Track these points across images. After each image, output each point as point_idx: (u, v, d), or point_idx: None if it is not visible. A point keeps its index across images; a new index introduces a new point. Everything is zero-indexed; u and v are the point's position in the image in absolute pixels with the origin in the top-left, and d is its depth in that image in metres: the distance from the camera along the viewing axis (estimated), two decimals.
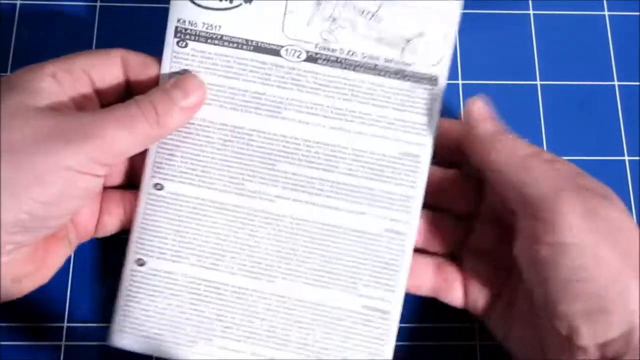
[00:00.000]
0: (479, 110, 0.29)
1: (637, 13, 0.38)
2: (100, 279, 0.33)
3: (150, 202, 0.30)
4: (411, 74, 0.30)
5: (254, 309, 0.30)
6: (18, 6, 0.37)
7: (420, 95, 0.30)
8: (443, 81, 0.29)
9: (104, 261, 0.33)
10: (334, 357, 0.29)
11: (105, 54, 0.30)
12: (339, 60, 0.30)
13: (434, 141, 0.30)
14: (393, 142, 0.30)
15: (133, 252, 0.30)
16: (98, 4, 0.37)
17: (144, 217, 0.30)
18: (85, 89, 0.29)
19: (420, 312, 0.33)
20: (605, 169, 0.36)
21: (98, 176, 0.27)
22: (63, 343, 0.32)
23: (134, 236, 0.30)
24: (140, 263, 0.30)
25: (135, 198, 0.31)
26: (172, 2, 0.30)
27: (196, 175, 0.30)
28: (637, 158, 0.36)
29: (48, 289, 0.30)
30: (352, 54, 0.30)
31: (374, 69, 0.30)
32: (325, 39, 0.30)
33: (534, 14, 0.38)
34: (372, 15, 0.30)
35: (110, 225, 0.31)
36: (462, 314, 0.32)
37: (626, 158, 0.36)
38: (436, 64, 0.29)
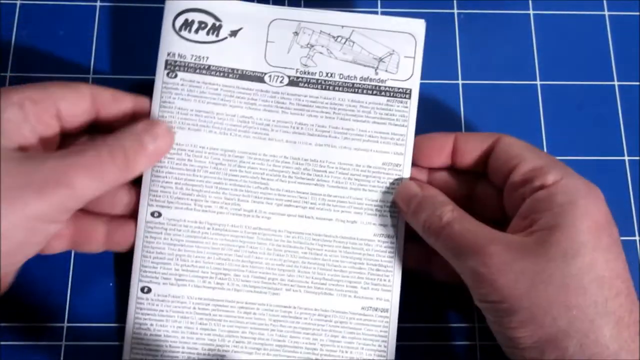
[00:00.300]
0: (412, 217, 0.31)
1: (637, 13, 0.39)
2: (100, 279, 0.33)
3: (149, 230, 0.31)
4: (386, 89, 0.32)
5: (262, 322, 0.31)
6: (18, 6, 0.36)
7: (396, 108, 0.32)
8: (416, 93, 0.32)
9: (104, 261, 0.33)
10: (341, 359, 0.31)
11: (75, 87, 0.29)
12: (318, 82, 0.32)
13: (412, 149, 0.33)
14: (375, 153, 0.32)
15: (137, 280, 0.31)
16: (98, 4, 0.37)
17: (144, 245, 0.31)
18: (50, 120, 0.28)
19: (420, 312, 0.34)
20: (605, 169, 0.36)
21: (61, 222, 0.27)
22: (63, 343, 0.32)
23: (137, 264, 0.31)
24: (146, 290, 0.31)
25: (86, 217, 0.31)
26: (162, 38, 0.31)
27: (192, 199, 0.31)
28: (637, 158, 0.36)
29: (48, 289, 0.29)
30: (331, 76, 0.32)
31: (352, 87, 0.32)
32: (304, 64, 0.32)
33: (534, 14, 0.38)
34: (346, 40, 0.32)
35: (58, 246, 0.30)
36: (462, 314, 0.34)
37: (626, 158, 0.36)
38: (408, 78, 0.32)
